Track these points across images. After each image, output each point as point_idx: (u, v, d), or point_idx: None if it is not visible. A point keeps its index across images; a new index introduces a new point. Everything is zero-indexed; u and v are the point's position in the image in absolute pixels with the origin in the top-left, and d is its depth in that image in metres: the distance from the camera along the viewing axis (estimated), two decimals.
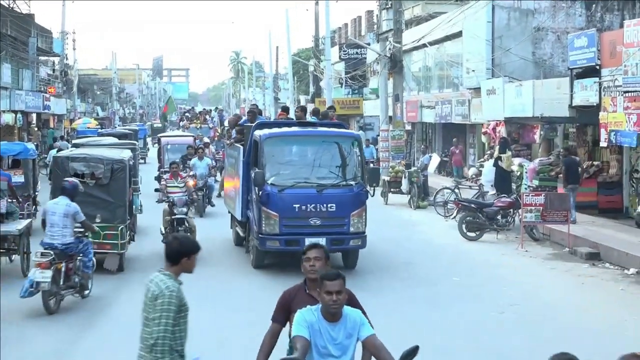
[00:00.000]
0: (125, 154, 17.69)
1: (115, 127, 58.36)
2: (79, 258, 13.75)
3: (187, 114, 56.17)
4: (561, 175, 23.15)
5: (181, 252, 6.64)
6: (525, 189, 23.99)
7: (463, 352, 11.37)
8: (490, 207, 21.46)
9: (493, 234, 21.17)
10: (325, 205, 15.91)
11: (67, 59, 61.31)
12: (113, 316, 13.20)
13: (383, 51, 33.03)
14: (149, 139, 57.90)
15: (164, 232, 18.72)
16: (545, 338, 12.02)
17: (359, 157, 16.79)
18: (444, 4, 39.72)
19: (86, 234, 14.08)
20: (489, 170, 25.40)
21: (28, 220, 17.19)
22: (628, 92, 19.47)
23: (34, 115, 49.41)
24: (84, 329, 12.43)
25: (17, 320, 12.68)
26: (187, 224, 18.53)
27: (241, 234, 18.55)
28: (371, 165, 30.89)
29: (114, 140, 24.62)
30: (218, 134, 43.55)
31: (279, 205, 15.95)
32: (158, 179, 28.20)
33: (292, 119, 20.56)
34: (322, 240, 14.57)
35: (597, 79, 21.38)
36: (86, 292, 13.92)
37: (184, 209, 18.71)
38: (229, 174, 20.64)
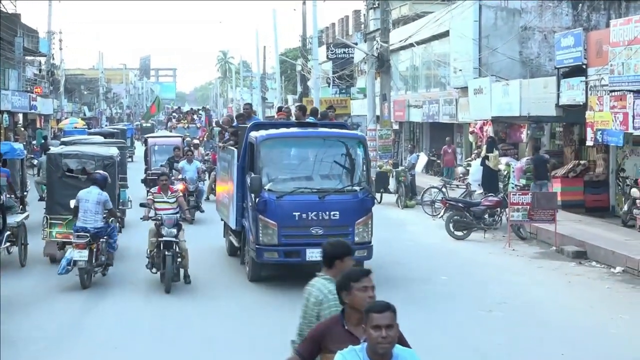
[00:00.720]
0: (114, 151, 18.98)
1: (102, 127, 58.28)
2: (105, 240, 15.52)
3: (174, 114, 55.98)
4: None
5: (334, 256, 6.71)
6: (512, 188, 24.05)
7: (450, 351, 11.38)
8: (477, 206, 21.50)
9: (480, 233, 21.21)
10: (327, 213, 14.72)
11: (53, 58, 61.12)
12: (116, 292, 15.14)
13: (370, 51, 33.06)
14: (136, 139, 59.11)
15: (148, 255, 15.54)
16: (532, 337, 12.05)
17: (364, 160, 15.48)
18: (431, 3, 39.75)
19: (111, 219, 15.99)
20: (476, 170, 25.45)
21: (25, 214, 17.94)
22: (614, 91, 19.55)
23: (20, 116, 49.25)
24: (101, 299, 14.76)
25: (54, 294, 14.82)
26: (176, 248, 15.16)
27: (236, 244, 17.22)
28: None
29: (101, 138, 25.51)
30: (206, 134, 43.36)
31: (277, 213, 14.71)
32: (145, 181, 27.71)
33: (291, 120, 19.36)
34: None
35: (583, 79, 21.46)
36: (108, 269, 15.95)
37: (174, 230, 15.16)
38: (222, 179, 18.90)
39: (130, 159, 41.45)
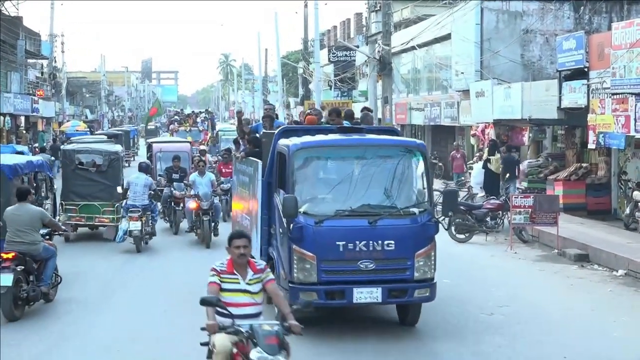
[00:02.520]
0: (118, 148, 23.79)
1: (104, 130, 58.47)
2: (150, 214, 19.90)
3: (175, 117, 55.85)
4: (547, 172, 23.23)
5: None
6: (514, 190, 24.05)
7: (451, 353, 11.38)
8: (479, 209, 21.50)
9: (482, 236, 21.21)
10: (380, 242, 11.74)
11: (55, 61, 61.15)
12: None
13: (372, 53, 33.04)
14: (141, 139, 64.70)
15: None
16: (534, 339, 12.04)
17: (425, 175, 12.45)
18: (433, 6, 39.73)
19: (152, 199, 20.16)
20: (478, 172, 25.46)
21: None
22: (616, 94, 19.55)
23: (23, 118, 49.27)
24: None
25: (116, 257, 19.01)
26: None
27: None
28: None
29: (104, 137, 31.38)
30: (209, 137, 42.93)
31: (316, 243, 11.71)
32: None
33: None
34: (376, 291, 11.72)
35: (585, 81, 21.47)
36: (153, 237, 20.30)
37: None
38: (240, 196, 15.63)
39: (132, 158, 41.73)
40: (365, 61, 36.88)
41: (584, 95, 21.44)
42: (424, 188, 12.44)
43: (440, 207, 16.07)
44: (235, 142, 18.24)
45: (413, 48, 35.36)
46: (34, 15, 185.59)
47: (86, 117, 76.31)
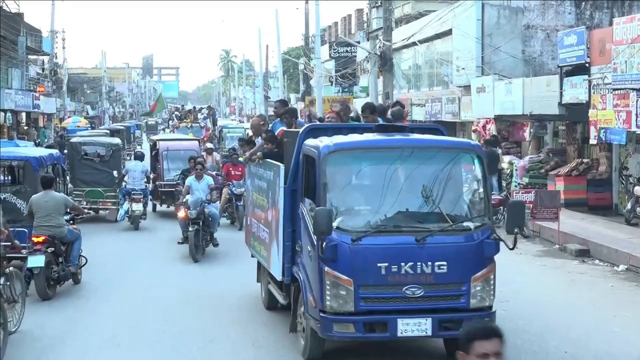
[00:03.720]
0: (118, 140, 27.01)
1: (106, 125, 58.65)
2: (143, 197, 22.93)
3: (176, 113, 55.63)
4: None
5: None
6: (515, 186, 24.07)
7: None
8: None
9: None
10: (430, 264, 9.82)
11: (56, 57, 61.19)
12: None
13: (373, 49, 33.04)
14: (144, 134, 68.91)
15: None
16: (535, 334, 12.06)
17: (482, 183, 10.52)
18: (434, 2, 39.72)
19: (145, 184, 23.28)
20: None
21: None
22: (617, 89, 19.56)
23: (24, 114, 49.30)
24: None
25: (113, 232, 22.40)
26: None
27: (281, 300, 12.12)
28: None
29: (106, 132, 34.16)
30: (210, 134, 42.61)
31: (353, 264, 9.77)
32: (154, 194, 24.96)
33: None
34: (424, 322, 9.88)
35: (586, 77, 21.47)
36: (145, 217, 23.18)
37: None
38: (257, 204, 13.35)
39: (139, 147, 41.82)
40: (366, 57, 36.91)
41: (585, 90, 21.44)
42: (480, 198, 10.51)
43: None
44: (249, 142, 15.59)
45: (414, 44, 35.34)
46: (35, 11, 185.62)
47: (87, 113, 76.33)
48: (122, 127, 49.26)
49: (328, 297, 9.84)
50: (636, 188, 20.71)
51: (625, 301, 14.32)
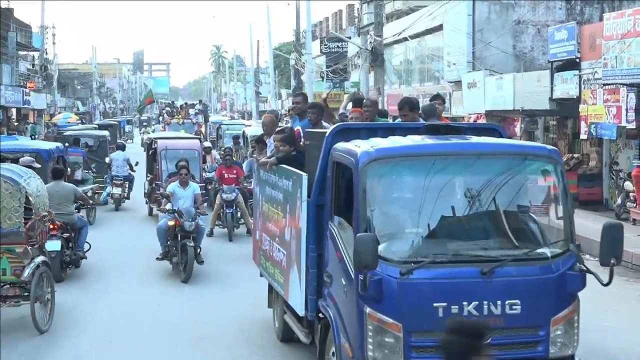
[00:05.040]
0: (106, 133, 30.98)
1: (96, 121, 58.52)
2: (127, 183, 25.83)
3: (167, 109, 55.22)
4: None
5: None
6: None
7: None
8: None
9: None
10: (499, 303, 7.75)
11: (46, 53, 61.02)
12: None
13: (364, 45, 33.06)
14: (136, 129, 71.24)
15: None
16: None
17: (562, 199, 8.41)
18: None
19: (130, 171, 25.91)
20: None
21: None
22: (608, 84, 19.62)
23: (14, 110, 49.18)
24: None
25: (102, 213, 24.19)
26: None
27: (303, 338, 10.02)
28: None
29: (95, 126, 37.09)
30: (202, 130, 41.92)
31: (403, 305, 7.72)
32: (149, 196, 23.46)
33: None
34: None
35: (577, 72, 21.53)
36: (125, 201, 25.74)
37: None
38: (270, 217, 11.26)
39: (131, 141, 41.73)
40: (358, 52, 36.90)
41: (576, 85, 21.50)
42: (559, 218, 8.39)
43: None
44: (259, 141, 13.61)
45: (405, 39, 35.37)
46: (25, 7, 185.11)
47: (77, 109, 76.16)
48: (113, 123, 49.38)
49: (370, 346, 7.74)
50: (626, 183, 20.77)
51: (616, 296, 14.35)
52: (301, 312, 9.52)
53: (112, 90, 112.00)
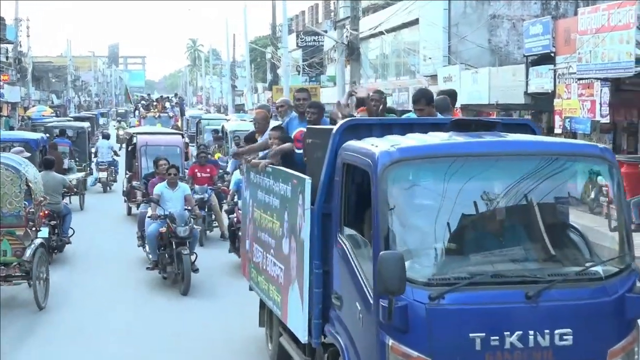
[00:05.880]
0: (85, 124, 32.56)
1: (69, 115, 58.18)
2: (112, 168, 29.34)
3: (142, 102, 54.60)
4: None
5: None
6: None
7: None
8: None
9: None
10: (547, 333, 6.48)
11: (20, 46, 60.53)
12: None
13: (340, 39, 33.03)
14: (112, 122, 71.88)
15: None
16: None
17: (618, 207, 7.30)
18: None
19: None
20: None
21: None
22: (582, 79, 19.72)
23: None
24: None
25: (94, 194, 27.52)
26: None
27: None
28: None
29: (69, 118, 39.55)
30: (179, 125, 41.22)
31: (433, 336, 6.44)
32: (128, 194, 21.87)
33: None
34: None
35: (551, 67, 21.63)
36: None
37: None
38: (261, 226, 9.98)
39: (97, 139, 41.57)
40: (334, 46, 36.91)
41: (551, 80, 21.60)
42: (614, 229, 7.15)
43: None
44: (249, 139, 12.25)
45: (381, 33, 35.38)
46: None
47: (52, 102, 75.59)
48: (89, 116, 49.15)
49: None
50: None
51: None
52: (303, 338, 8.19)
53: (87, 84, 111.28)
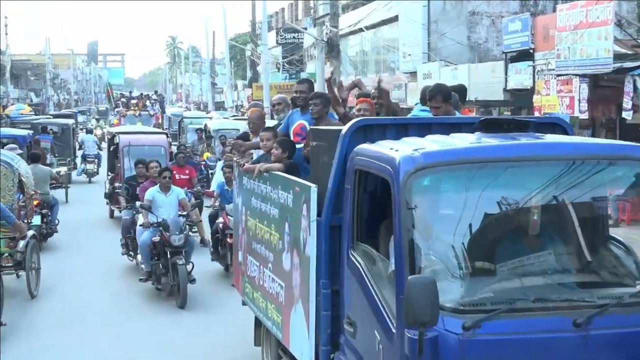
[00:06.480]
0: (70, 121, 34.82)
1: (48, 113, 57.92)
2: (97, 160, 32.15)
3: (122, 99, 54.06)
4: None
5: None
6: None
7: None
8: None
9: None
10: None
11: None
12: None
13: (320, 36, 33.05)
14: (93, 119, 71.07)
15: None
16: None
17: None
18: None
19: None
20: None
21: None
22: (561, 75, 19.80)
23: None
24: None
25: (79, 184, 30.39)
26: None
27: None
28: None
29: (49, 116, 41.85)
30: (160, 123, 40.79)
31: None
32: (110, 196, 20.52)
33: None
34: None
35: (530, 63, 21.72)
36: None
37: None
38: (257, 237, 9.10)
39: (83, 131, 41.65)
40: (313, 43, 36.87)
41: (530, 76, 21.69)
42: None
43: None
44: (241, 137, 11.10)
45: (361, 30, 35.43)
46: None
47: (31, 100, 75.16)
48: (69, 113, 49.13)
49: None
50: None
51: None
52: None
53: (66, 82, 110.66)
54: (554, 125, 7.23)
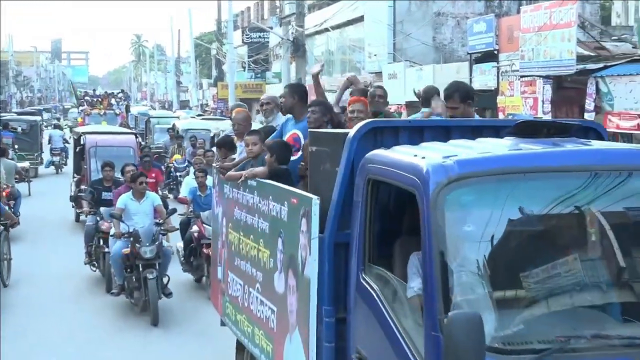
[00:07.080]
0: (38, 118, 38.58)
1: (11, 111, 57.36)
2: (63, 153, 34.58)
3: (86, 98, 53.46)
4: None
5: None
6: None
7: None
8: None
9: None
10: None
11: None
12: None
13: (286, 35, 33.01)
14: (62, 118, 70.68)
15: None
16: None
17: None
18: None
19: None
20: None
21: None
22: (525, 76, 19.95)
23: None
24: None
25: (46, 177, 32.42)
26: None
27: None
28: None
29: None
30: (126, 123, 39.87)
31: None
32: (76, 200, 19.10)
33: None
34: None
35: (495, 64, 21.86)
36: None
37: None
38: (242, 253, 8.04)
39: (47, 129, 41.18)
40: (279, 43, 36.84)
41: (494, 77, 21.83)
42: None
43: None
44: (223, 144, 9.80)
45: (326, 30, 35.46)
46: None
47: None
48: (33, 111, 52.06)
49: None
50: None
51: None
52: None
53: (29, 79, 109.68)
54: (586, 129, 6.13)
